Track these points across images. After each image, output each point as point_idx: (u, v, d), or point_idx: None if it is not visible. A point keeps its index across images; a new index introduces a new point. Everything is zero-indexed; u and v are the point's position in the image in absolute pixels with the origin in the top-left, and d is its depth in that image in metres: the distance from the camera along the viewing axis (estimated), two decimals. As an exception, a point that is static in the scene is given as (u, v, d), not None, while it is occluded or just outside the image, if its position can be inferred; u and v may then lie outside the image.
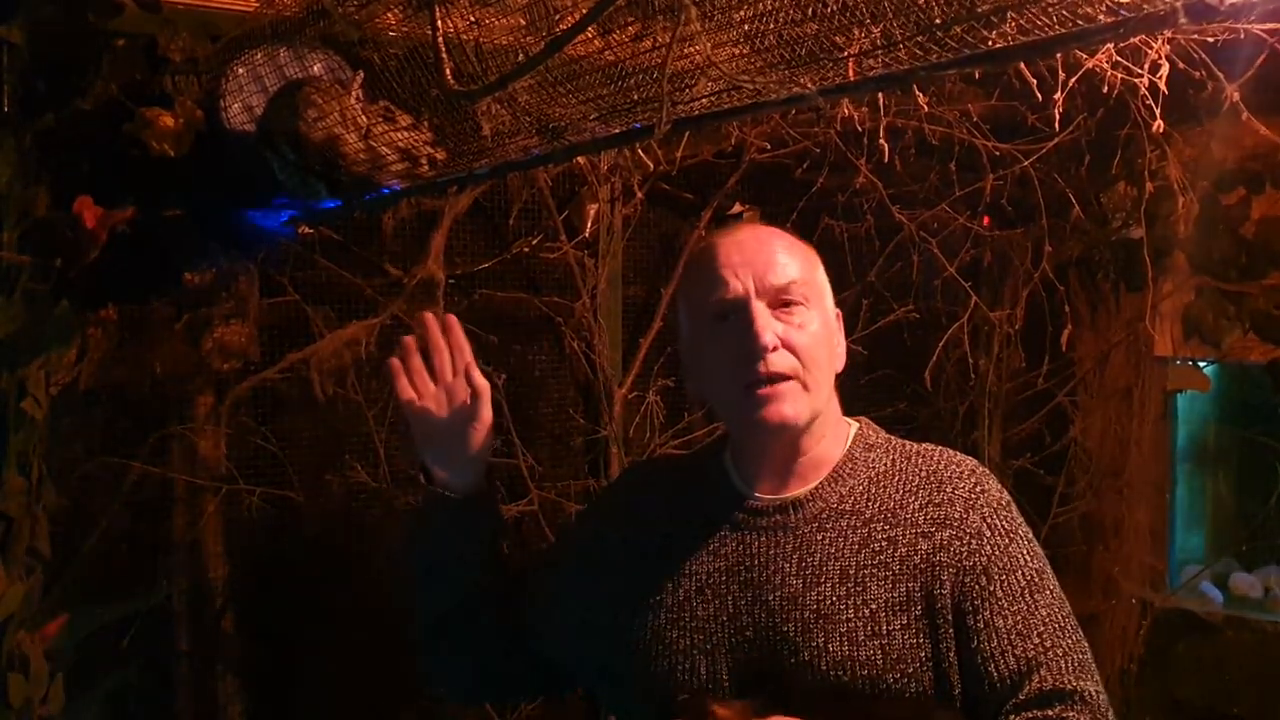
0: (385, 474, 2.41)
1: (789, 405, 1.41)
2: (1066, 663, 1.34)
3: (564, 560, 1.62)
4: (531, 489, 2.59)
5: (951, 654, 1.36)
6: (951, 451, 1.51)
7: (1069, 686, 1.32)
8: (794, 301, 1.43)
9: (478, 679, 1.66)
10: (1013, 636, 1.34)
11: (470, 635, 1.61)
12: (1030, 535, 1.45)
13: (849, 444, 1.50)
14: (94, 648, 2.03)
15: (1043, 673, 1.32)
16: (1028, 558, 1.41)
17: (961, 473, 1.46)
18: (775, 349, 1.40)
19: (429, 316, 1.60)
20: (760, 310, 1.41)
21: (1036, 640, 1.34)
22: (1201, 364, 3.28)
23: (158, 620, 2.20)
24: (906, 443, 1.52)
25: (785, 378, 1.40)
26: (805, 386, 1.42)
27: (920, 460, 1.48)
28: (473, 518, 1.59)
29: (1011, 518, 1.44)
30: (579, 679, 1.71)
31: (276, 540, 2.33)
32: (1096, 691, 1.33)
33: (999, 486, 1.47)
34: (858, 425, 1.53)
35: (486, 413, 1.57)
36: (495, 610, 1.60)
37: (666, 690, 1.42)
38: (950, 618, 1.36)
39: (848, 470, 1.47)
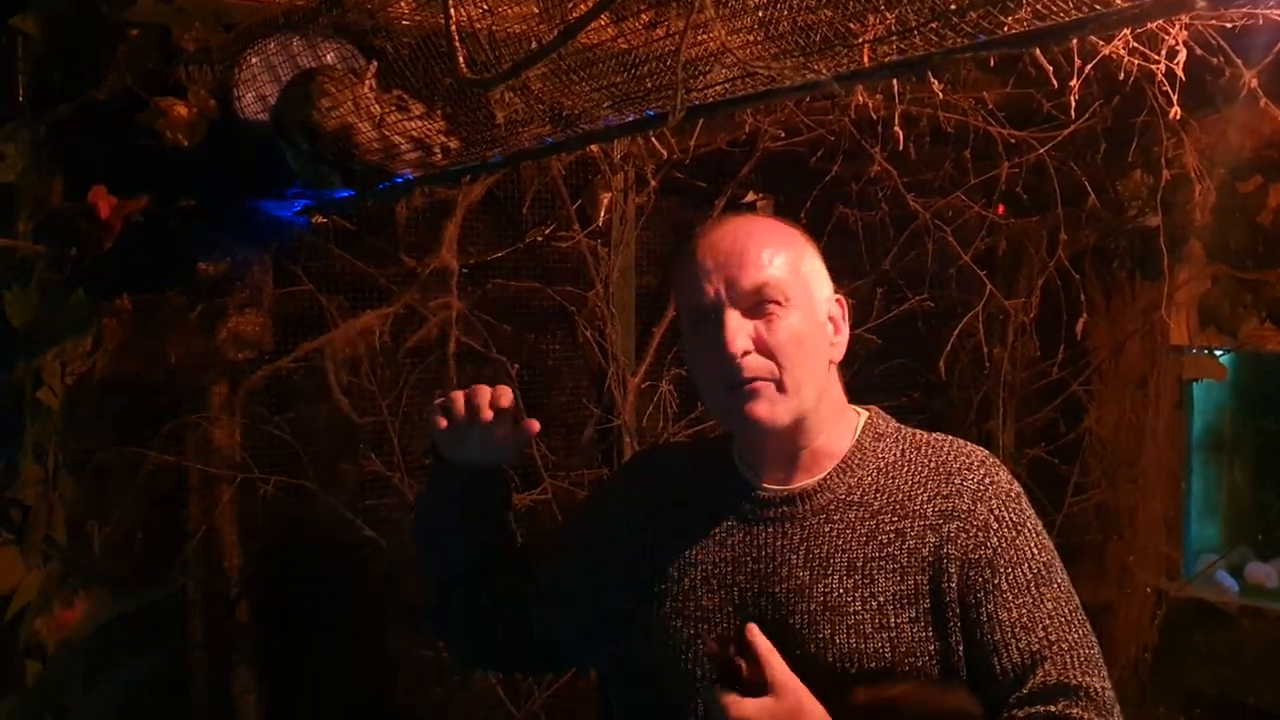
0: (399, 463, 2.42)
1: (765, 407, 1.40)
2: (1072, 657, 1.32)
3: (571, 545, 1.62)
4: (544, 478, 2.60)
5: (959, 648, 1.35)
6: (962, 441, 1.49)
7: (1074, 681, 1.31)
8: (769, 301, 1.41)
9: (477, 649, 1.69)
10: (1017, 630, 1.33)
11: (470, 609, 1.63)
12: (1039, 528, 1.43)
13: (858, 434, 1.49)
14: (110, 636, 2.04)
15: (1047, 666, 1.31)
16: (1035, 550, 1.39)
17: (971, 464, 1.44)
18: (747, 354, 1.39)
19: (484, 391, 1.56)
20: (732, 317, 1.40)
21: (1041, 634, 1.33)
22: (1218, 353, 3.26)
23: (173, 609, 2.21)
24: (917, 432, 1.51)
25: (761, 379, 1.40)
26: (782, 388, 1.40)
27: (930, 450, 1.47)
28: (475, 496, 1.60)
29: (1020, 510, 1.42)
30: (582, 661, 1.72)
31: (291, 529, 2.34)
32: (1103, 687, 1.32)
33: (1009, 478, 1.45)
34: (867, 414, 1.52)
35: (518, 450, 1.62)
36: (497, 588, 1.62)
37: (670, 679, 1.42)
38: (957, 610, 1.35)
39: (856, 461, 1.46)
